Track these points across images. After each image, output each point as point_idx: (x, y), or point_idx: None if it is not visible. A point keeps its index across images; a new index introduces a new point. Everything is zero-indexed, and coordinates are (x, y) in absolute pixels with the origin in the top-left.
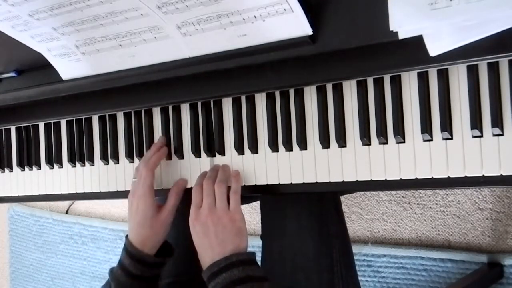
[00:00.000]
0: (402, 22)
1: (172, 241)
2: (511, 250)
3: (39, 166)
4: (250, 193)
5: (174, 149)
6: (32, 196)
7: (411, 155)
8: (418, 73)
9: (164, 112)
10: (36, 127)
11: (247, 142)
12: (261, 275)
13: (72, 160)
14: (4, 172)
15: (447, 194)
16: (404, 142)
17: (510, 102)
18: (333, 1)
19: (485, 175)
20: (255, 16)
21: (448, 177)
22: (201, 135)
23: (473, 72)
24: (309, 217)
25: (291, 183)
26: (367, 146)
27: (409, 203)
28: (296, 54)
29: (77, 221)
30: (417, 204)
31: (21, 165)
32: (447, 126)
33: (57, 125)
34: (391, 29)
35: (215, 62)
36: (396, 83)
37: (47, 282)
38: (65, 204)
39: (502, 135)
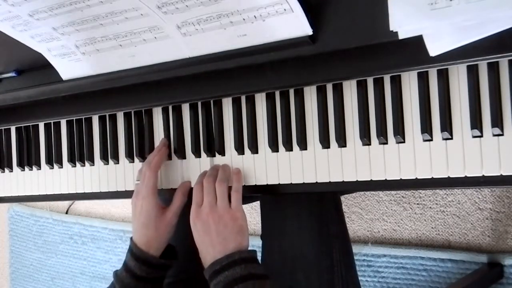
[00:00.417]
0: (402, 22)
1: (172, 240)
2: (511, 250)
3: (39, 166)
4: (250, 193)
5: (174, 149)
6: (32, 196)
7: (411, 155)
8: (418, 73)
9: (164, 112)
10: (36, 127)
11: (247, 142)
12: (262, 273)
13: (72, 160)
14: (4, 172)
15: (447, 194)
16: (404, 142)
17: (510, 102)
18: (333, 1)
19: (485, 175)
20: (255, 16)
21: (448, 177)
22: (201, 135)
23: (473, 72)
24: (309, 217)
25: (291, 183)
26: (367, 146)
27: (409, 203)
28: (296, 54)
29: (77, 221)
30: (417, 204)
31: (21, 165)
32: (447, 126)
33: (57, 125)
34: (391, 29)
35: (215, 62)
36: (396, 83)
37: (47, 282)
38: (65, 204)
39: (502, 135)
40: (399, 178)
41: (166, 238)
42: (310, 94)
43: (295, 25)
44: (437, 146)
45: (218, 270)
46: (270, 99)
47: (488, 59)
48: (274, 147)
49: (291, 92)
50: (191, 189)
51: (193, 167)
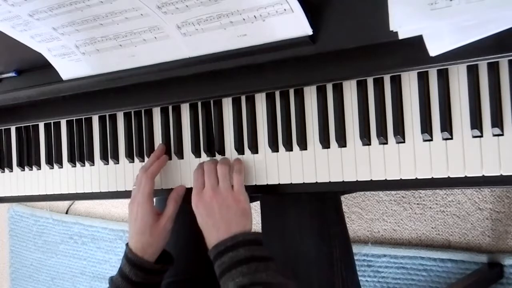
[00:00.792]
0: (402, 22)
1: (171, 241)
2: (511, 250)
3: (39, 166)
4: (250, 193)
5: (174, 149)
6: (32, 196)
7: (411, 155)
8: (418, 73)
9: (164, 112)
10: (36, 127)
11: (247, 142)
12: (267, 255)
13: (72, 160)
14: (4, 172)
15: (447, 194)
16: (404, 142)
17: (510, 102)
18: (333, 1)
19: (485, 175)
20: (255, 16)
21: (448, 177)
22: (201, 135)
23: (473, 72)
24: (309, 217)
25: (291, 183)
26: (367, 146)
27: (409, 203)
28: (296, 54)
29: (77, 221)
30: (417, 204)
31: (21, 165)
32: (447, 126)
33: (57, 125)
34: (391, 29)
35: (215, 62)
36: (396, 83)
37: (47, 282)
38: (65, 204)
39: (502, 135)
40: (399, 178)
41: (162, 244)
42: (310, 94)
43: (295, 25)
44: (437, 146)
45: (222, 251)
46: (270, 99)
47: (488, 59)
48: (274, 147)
49: (291, 92)
50: (186, 193)
51: (193, 167)
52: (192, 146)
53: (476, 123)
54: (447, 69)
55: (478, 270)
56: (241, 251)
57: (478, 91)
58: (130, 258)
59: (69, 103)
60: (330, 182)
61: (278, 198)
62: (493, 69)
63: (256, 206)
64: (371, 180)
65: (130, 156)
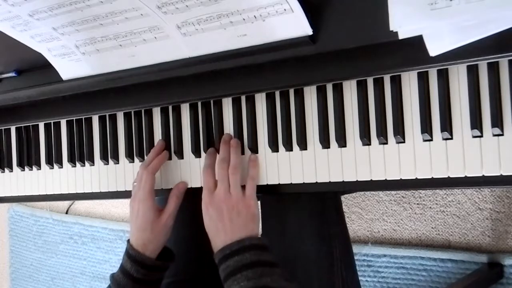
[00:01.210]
0: (402, 22)
1: (171, 240)
2: (511, 250)
3: (39, 166)
4: None
5: (174, 149)
6: (32, 196)
7: (411, 155)
8: (418, 73)
9: (164, 112)
10: (36, 127)
11: (247, 142)
12: (272, 261)
13: (72, 160)
14: (4, 172)
15: (447, 194)
16: (404, 142)
17: (510, 102)
18: (333, 1)
19: (485, 175)
20: (255, 16)
21: (448, 177)
22: (201, 135)
23: (473, 72)
24: (309, 217)
25: (291, 183)
26: (367, 146)
27: (409, 203)
28: (296, 54)
29: (77, 221)
30: (417, 204)
31: (21, 165)
32: (447, 126)
33: (57, 125)
34: (391, 29)
35: (215, 62)
36: (396, 83)
37: (47, 282)
38: (65, 204)
39: (502, 135)
40: (399, 178)
41: (163, 240)
42: (310, 94)
43: (295, 25)
44: (437, 146)
45: (228, 255)
46: (270, 99)
47: (488, 59)
48: (274, 147)
49: (291, 92)
50: (189, 189)
51: (193, 167)
52: (192, 146)
53: (476, 123)
54: (447, 69)
55: (478, 270)
56: (247, 256)
57: (478, 91)
58: (131, 255)
59: (69, 103)
60: (330, 182)
61: (278, 198)
62: (493, 69)
63: None
64: (371, 180)
65: (130, 156)
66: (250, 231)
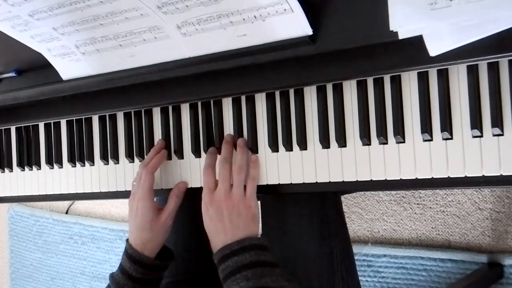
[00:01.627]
0: (402, 22)
1: (171, 240)
2: (511, 250)
3: (39, 166)
4: None
5: (174, 149)
6: (32, 196)
7: (411, 155)
8: (418, 73)
9: (164, 112)
10: (36, 127)
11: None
12: (272, 261)
13: (72, 160)
14: (4, 172)
15: (447, 194)
16: (404, 142)
17: (510, 102)
18: (333, 1)
19: (485, 175)
20: (255, 16)
21: (448, 177)
22: (201, 135)
23: (473, 72)
24: (309, 217)
25: (291, 183)
26: (367, 146)
27: (409, 203)
28: (296, 54)
29: (77, 221)
30: (417, 204)
31: (21, 165)
32: (447, 126)
33: (57, 125)
34: (391, 29)
35: (215, 62)
36: (396, 83)
37: (47, 282)
38: (65, 204)
39: (502, 135)
40: (399, 178)
41: (162, 240)
42: (310, 94)
43: (295, 25)
44: (437, 146)
45: (227, 255)
46: (270, 99)
47: (488, 59)
48: (274, 147)
49: (291, 92)
50: (189, 189)
51: (193, 167)
52: (192, 146)
53: (476, 123)
54: (447, 69)
55: (478, 270)
56: (246, 256)
57: (478, 91)
58: (130, 254)
59: (69, 103)
60: (330, 182)
61: (278, 198)
62: (493, 69)
63: None
64: (371, 180)
65: (130, 156)
66: (250, 232)
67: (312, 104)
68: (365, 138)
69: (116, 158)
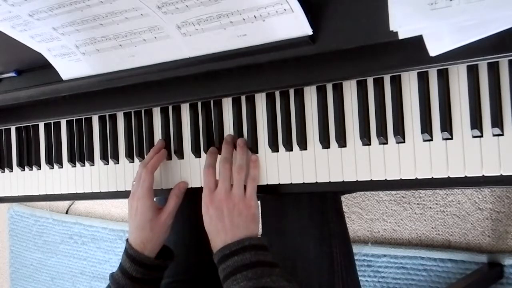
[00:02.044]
0: (402, 22)
1: (171, 240)
2: (511, 250)
3: (39, 166)
4: None
5: (174, 149)
6: (32, 196)
7: (411, 155)
8: (418, 73)
9: (164, 112)
10: (36, 127)
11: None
12: (272, 261)
13: (72, 160)
14: (4, 172)
15: (447, 194)
16: (404, 142)
17: (510, 102)
18: (333, 1)
19: (485, 175)
20: (255, 16)
21: (448, 177)
22: (201, 135)
23: (473, 72)
24: (309, 217)
25: (291, 183)
26: (367, 146)
27: (409, 203)
28: (296, 54)
29: (77, 221)
30: (417, 204)
31: (21, 165)
32: (447, 126)
33: (57, 125)
34: (391, 29)
35: (215, 62)
36: (396, 83)
37: (47, 282)
38: (65, 204)
39: (502, 135)
40: (399, 178)
41: (162, 239)
42: (310, 94)
43: (295, 25)
44: (437, 146)
45: (227, 255)
46: (270, 99)
47: (488, 59)
48: (274, 147)
49: (291, 92)
50: (189, 189)
51: (193, 167)
52: (192, 146)
53: (476, 123)
54: (447, 69)
55: (478, 270)
56: (246, 256)
57: (478, 91)
58: (130, 254)
59: (69, 103)
60: (330, 182)
61: (278, 198)
62: (493, 69)
63: None
64: (371, 180)
65: (130, 156)
66: (250, 232)
67: (312, 104)
68: (365, 138)
69: (116, 158)
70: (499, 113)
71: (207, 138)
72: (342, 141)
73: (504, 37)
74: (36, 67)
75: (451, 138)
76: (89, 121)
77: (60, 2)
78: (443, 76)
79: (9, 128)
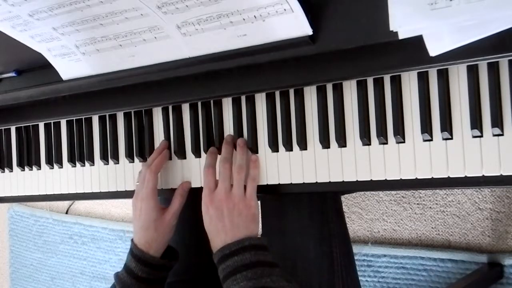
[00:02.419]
0: (402, 22)
1: (172, 240)
2: (511, 250)
3: (39, 166)
4: None
5: (174, 149)
6: (32, 196)
7: (411, 155)
8: (418, 73)
9: (164, 112)
10: (36, 127)
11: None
12: (272, 261)
13: (72, 160)
14: (4, 172)
15: (447, 194)
16: (404, 142)
17: (510, 102)
18: (333, 1)
19: (485, 175)
20: (255, 16)
21: (448, 177)
22: (201, 135)
23: (473, 72)
24: (309, 217)
25: (291, 183)
26: (367, 146)
27: (409, 203)
28: (296, 54)
29: (77, 221)
30: (417, 204)
31: (21, 165)
32: (447, 126)
33: (57, 125)
34: (391, 29)
35: (215, 62)
36: (396, 83)
37: (47, 282)
38: (65, 204)
39: (502, 135)
40: (399, 178)
41: (166, 239)
42: (310, 94)
43: (295, 25)
44: (437, 146)
45: (227, 255)
46: (270, 99)
47: (488, 59)
48: (274, 147)
49: (291, 92)
50: (190, 189)
51: (194, 167)
52: (192, 146)
53: (476, 123)
54: (447, 69)
55: (478, 270)
56: (246, 256)
57: (478, 91)
58: (135, 254)
59: (69, 103)
60: (330, 182)
61: (278, 198)
62: (493, 69)
63: None
64: (371, 180)
65: (130, 156)
66: (250, 232)
67: (312, 104)
68: (365, 138)
69: (116, 158)
70: (499, 113)
71: (207, 138)
72: (342, 141)
73: (504, 37)
74: (36, 67)
75: (451, 138)
76: (89, 121)
77: (60, 2)
78: (443, 76)
79: (9, 128)
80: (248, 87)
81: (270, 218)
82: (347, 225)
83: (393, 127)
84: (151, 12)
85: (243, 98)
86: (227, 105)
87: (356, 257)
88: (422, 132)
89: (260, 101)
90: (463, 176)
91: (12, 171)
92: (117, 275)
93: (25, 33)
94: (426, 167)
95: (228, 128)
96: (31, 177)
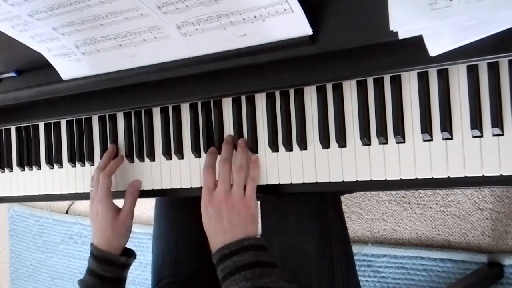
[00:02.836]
0: (402, 22)
1: (172, 240)
2: (511, 250)
3: (39, 166)
4: None
5: (174, 149)
6: (32, 196)
7: (411, 155)
8: (418, 73)
9: (164, 112)
10: (36, 127)
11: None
12: (271, 261)
13: (72, 160)
14: (4, 172)
15: (447, 194)
16: (404, 142)
17: (510, 102)
18: (333, 1)
19: (485, 175)
20: (255, 16)
21: (448, 177)
22: (201, 135)
23: (473, 72)
24: (309, 217)
25: (291, 183)
26: (367, 146)
27: (409, 203)
28: (296, 54)
29: (77, 221)
30: (417, 204)
31: (21, 165)
32: (447, 126)
33: (57, 125)
34: (391, 29)
35: (215, 62)
36: (396, 83)
37: (47, 282)
38: (65, 204)
39: (502, 135)
40: (399, 178)
41: (124, 238)
42: (310, 94)
43: (295, 25)
44: (437, 146)
45: (226, 255)
46: (270, 99)
47: (488, 59)
48: (274, 147)
49: (291, 92)
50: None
51: (193, 167)
52: (192, 146)
53: (476, 123)
54: (447, 69)
55: (478, 270)
56: (245, 256)
57: (478, 91)
58: (96, 255)
59: (69, 103)
60: (330, 182)
61: (278, 198)
62: (493, 69)
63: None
64: (371, 180)
65: (129, 156)
66: (249, 232)
67: (312, 104)
68: (365, 138)
69: None
70: (499, 113)
71: (207, 138)
72: (342, 141)
73: (504, 37)
74: (36, 67)
75: (451, 138)
76: (89, 121)
77: (60, 2)
78: (443, 76)
79: (9, 128)
80: (248, 87)
81: (270, 218)
82: (347, 225)
83: (393, 127)
84: (151, 12)
85: (243, 98)
86: (227, 105)
87: (356, 257)
88: (422, 132)
89: (260, 101)
90: (463, 176)
91: (12, 171)
92: (81, 281)
93: (25, 33)
94: (426, 167)
95: (228, 128)
96: (31, 177)
